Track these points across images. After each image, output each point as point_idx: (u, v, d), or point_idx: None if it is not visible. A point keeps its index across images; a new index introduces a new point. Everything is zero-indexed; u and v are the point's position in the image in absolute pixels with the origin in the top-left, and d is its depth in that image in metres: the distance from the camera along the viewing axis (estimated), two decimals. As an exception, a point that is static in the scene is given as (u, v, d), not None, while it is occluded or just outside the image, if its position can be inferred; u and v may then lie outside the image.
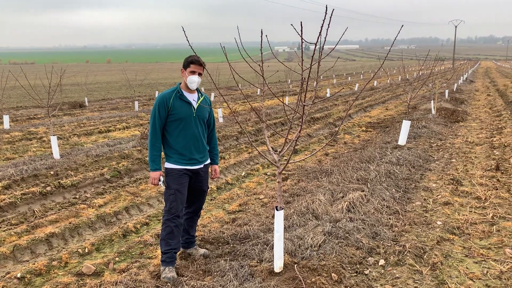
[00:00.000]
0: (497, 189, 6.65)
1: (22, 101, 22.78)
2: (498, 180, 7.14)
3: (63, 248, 5.08)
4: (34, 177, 7.76)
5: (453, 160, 8.72)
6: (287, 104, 19.73)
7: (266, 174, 8.14)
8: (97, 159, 9.06)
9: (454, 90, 24.68)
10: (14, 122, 15.34)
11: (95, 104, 22.03)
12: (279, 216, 3.98)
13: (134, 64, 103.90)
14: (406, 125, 9.94)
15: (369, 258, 4.41)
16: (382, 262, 4.33)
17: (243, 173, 8.15)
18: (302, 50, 3.55)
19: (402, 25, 3.72)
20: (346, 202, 5.71)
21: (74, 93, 28.02)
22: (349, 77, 47.26)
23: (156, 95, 25.45)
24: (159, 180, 4.27)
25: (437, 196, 6.43)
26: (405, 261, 4.33)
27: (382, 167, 7.48)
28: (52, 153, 9.37)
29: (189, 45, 3.49)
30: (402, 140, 9.93)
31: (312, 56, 3.30)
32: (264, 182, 7.61)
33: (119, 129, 13.71)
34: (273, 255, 4.30)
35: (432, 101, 15.67)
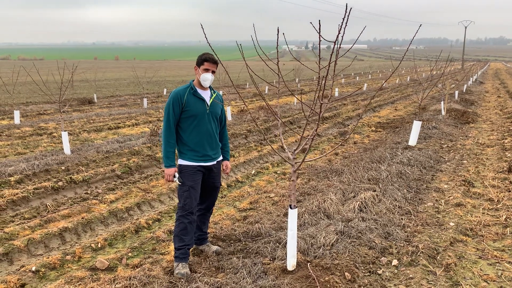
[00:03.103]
0: (509, 191, 6.60)
1: (32, 97, 22.94)
2: (510, 182, 7.08)
3: (76, 242, 5.12)
4: (45, 172, 7.81)
5: (464, 161, 8.67)
6: (295, 103, 19.53)
7: (276, 173, 8.14)
8: (108, 155, 9.11)
9: (464, 91, 24.52)
10: (24, 117, 15.45)
11: (104, 100, 22.13)
12: (293, 214, 3.98)
13: (142, 62, 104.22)
14: (417, 125, 9.89)
15: (382, 258, 4.40)
16: (395, 262, 4.32)
17: (253, 172, 8.16)
18: (319, 49, 3.54)
19: (420, 25, 3.70)
20: (358, 202, 5.70)
21: (83, 90, 28.18)
22: (357, 77, 47.11)
23: (165, 92, 25.53)
24: (174, 177, 4.28)
25: (449, 197, 6.40)
26: (418, 261, 4.32)
27: (393, 168, 7.45)
28: (62, 149, 9.43)
29: (208, 43, 3.50)
30: (412, 140, 9.89)
31: (331, 55, 3.30)
32: (274, 181, 7.61)
33: (129, 126, 13.76)
34: (285, 253, 4.30)
35: (442, 102, 15.57)
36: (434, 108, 17.03)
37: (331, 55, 3.29)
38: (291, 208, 3.98)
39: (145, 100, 19.06)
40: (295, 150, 4.00)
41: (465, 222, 5.39)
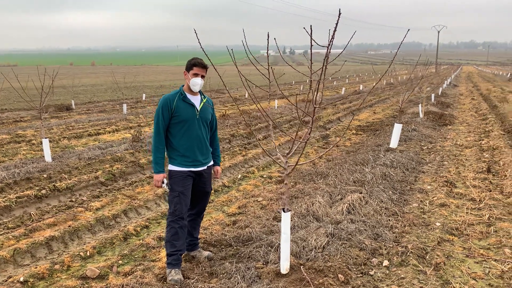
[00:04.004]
0: (490, 191, 6.79)
1: (7, 104, 22.43)
2: (490, 182, 7.28)
3: (64, 251, 5.02)
4: (27, 180, 7.64)
5: (445, 162, 8.87)
6: (276, 107, 19.56)
7: (262, 177, 8.16)
8: (90, 162, 8.96)
9: (439, 94, 25.07)
10: (0, 125, 15.08)
11: (82, 107, 21.77)
12: (286, 217, 4.00)
13: (119, 67, 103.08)
14: (397, 128, 10.06)
15: (373, 259, 4.46)
16: (386, 263, 4.38)
17: (239, 176, 8.16)
18: (311, 53, 3.59)
19: (409, 30, 3.79)
20: (346, 204, 5.76)
21: (60, 96, 27.64)
22: (335, 81, 47.64)
23: (143, 98, 25.27)
24: (163, 182, 4.27)
25: (433, 198, 6.53)
26: (408, 261, 4.39)
27: (378, 170, 7.56)
28: (43, 156, 9.24)
29: (201, 47, 3.50)
30: (394, 143, 10.05)
31: (324, 59, 3.35)
32: (261, 185, 7.62)
33: (109, 132, 13.58)
34: (278, 257, 4.32)
35: (420, 105, 15.90)
36: (412, 111, 17.36)
37: (325, 59, 3.33)
38: (284, 211, 4.01)
39: (124, 106, 18.84)
40: (287, 154, 4.04)
41: (450, 222, 5.52)
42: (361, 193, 6.29)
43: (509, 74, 51.15)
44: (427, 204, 6.25)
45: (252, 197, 6.89)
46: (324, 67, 3.40)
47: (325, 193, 6.43)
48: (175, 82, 43.78)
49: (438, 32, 74.19)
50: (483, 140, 11.15)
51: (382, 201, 6.12)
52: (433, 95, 21.37)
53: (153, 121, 16.56)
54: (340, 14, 3.36)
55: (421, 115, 15.27)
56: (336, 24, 3.16)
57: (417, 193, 6.81)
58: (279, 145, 11.08)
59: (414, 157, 9.02)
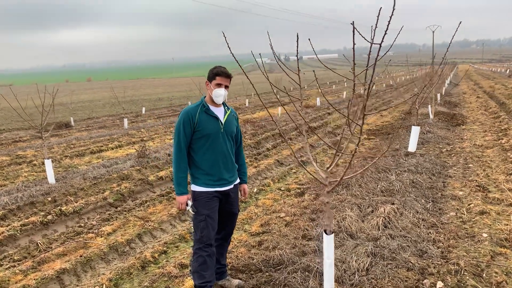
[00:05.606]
0: (528, 194, 6.34)
1: (4, 124, 21.97)
2: (525, 184, 6.83)
3: (77, 285, 4.53)
4: (31, 204, 7.17)
5: (470, 165, 8.42)
6: (279, 115, 19.13)
7: (280, 189, 7.68)
8: (96, 182, 8.49)
9: (443, 93, 24.70)
10: (-2, 146, 14.61)
11: (81, 123, 21.33)
12: (330, 240, 3.54)
13: (115, 82, 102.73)
14: (415, 131, 9.63)
15: (425, 281, 3.99)
16: (440, 284, 3.91)
17: (255, 190, 7.69)
18: (354, 54, 3.16)
19: (458, 28, 3.35)
20: (381, 218, 5.30)
21: (58, 113, 27.13)
22: (334, 86, 47.34)
23: (143, 111, 24.84)
24: (187, 205, 3.81)
25: (469, 205, 6.07)
26: (465, 282, 3.93)
27: (404, 176, 7.11)
28: (46, 178, 8.78)
29: (234, 57, 3.06)
30: (412, 146, 9.62)
31: (375, 58, 2.92)
32: (280, 198, 7.15)
33: (112, 149, 13.11)
34: (319, 284, 3.86)
35: (429, 106, 15.49)
36: (421, 112, 16.92)
37: (376, 59, 2.90)
38: (326, 233, 3.55)
39: (125, 120, 18.40)
40: (328, 168, 3.59)
41: (497, 232, 5.06)
42: (393, 203, 5.82)
43: (508, 70, 50.92)
44: (465, 212, 5.79)
45: (273, 212, 6.42)
46: (374, 65, 2.97)
47: (353, 206, 5.97)
48: (173, 95, 43.40)
49: (433, 32, 74.29)
50: (502, 139, 10.71)
51: (417, 212, 5.66)
52: (438, 95, 20.99)
53: (156, 135, 16.16)
54: (393, 10, 2.94)
55: (431, 116, 14.86)
56: (389, 19, 2.73)
57: (451, 200, 6.35)
58: (290, 154, 10.61)
59: (436, 161, 8.57)
